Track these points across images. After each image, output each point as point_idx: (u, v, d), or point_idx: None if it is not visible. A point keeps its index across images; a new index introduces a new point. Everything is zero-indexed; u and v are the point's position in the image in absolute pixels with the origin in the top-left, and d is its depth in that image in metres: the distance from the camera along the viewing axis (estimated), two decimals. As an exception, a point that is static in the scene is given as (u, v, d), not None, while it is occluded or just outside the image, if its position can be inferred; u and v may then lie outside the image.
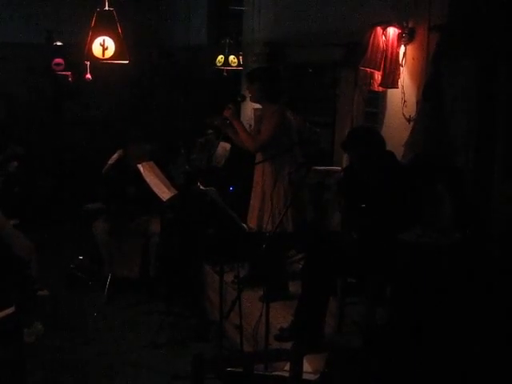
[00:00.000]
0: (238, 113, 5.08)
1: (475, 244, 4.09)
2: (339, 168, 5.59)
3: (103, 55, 3.91)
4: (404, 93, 5.13)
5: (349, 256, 4.10)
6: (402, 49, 5.10)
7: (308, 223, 5.21)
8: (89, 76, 5.38)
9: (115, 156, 6.41)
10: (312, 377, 3.66)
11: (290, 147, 4.89)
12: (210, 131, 7.08)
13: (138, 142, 6.31)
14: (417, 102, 4.99)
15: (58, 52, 8.82)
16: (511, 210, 4.26)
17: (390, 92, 5.33)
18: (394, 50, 5.08)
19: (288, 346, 4.08)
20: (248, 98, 5.29)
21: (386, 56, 5.08)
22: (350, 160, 4.56)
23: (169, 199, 5.35)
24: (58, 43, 8.91)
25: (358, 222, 4.24)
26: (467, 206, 4.38)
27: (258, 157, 5.02)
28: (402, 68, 5.12)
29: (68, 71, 8.77)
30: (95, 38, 3.91)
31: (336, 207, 4.47)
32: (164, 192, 5.38)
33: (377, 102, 5.63)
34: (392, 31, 5.06)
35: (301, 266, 5.35)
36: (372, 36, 5.09)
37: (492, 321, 3.49)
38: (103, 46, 3.88)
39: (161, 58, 9.60)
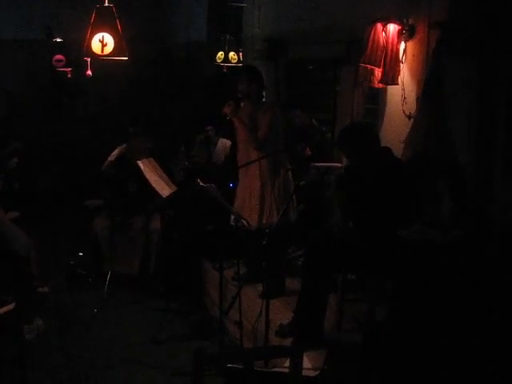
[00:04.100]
0: (238, 109, 5.07)
1: (475, 242, 4.09)
2: (339, 165, 5.59)
3: (102, 51, 3.90)
4: (404, 89, 5.13)
5: (346, 247, 4.08)
6: (402, 45, 5.10)
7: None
8: (89, 72, 5.36)
9: (115, 152, 6.40)
10: (312, 373, 3.66)
11: (288, 146, 4.93)
12: (210, 127, 7.08)
13: (138, 137, 6.31)
14: (417, 99, 4.99)
15: (59, 48, 8.81)
16: (511, 208, 4.27)
17: (390, 89, 5.33)
18: (394, 47, 5.07)
19: (288, 342, 4.09)
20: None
21: (386, 53, 5.07)
22: (345, 157, 4.56)
23: (168, 196, 5.35)
24: (59, 39, 8.90)
25: (356, 214, 4.23)
26: (467, 204, 4.38)
27: (244, 158, 5.04)
28: (402, 65, 5.12)
29: (69, 67, 8.77)
30: (94, 35, 3.90)
31: (336, 202, 4.47)
32: (164, 188, 5.38)
33: (377, 99, 5.63)
34: (392, 28, 5.06)
35: (301, 263, 5.36)
36: (372, 32, 5.08)
37: (491, 318, 3.49)
38: (102, 43, 3.87)
39: (160, 55, 9.60)
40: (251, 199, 5.03)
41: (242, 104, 5.16)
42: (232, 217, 4.91)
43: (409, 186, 4.11)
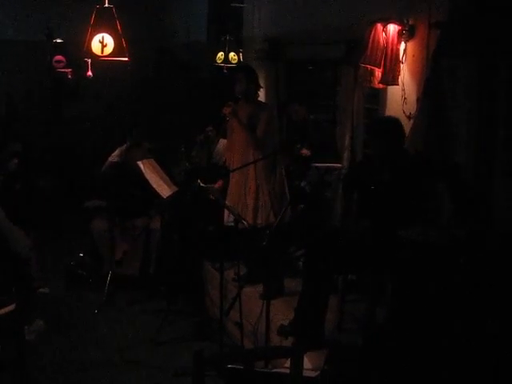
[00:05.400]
0: (236, 110, 5.07)
1: (476, 242, 4.08)
2: (339, 165, 5.58)
3: (102, 52, 3.90)
4: (404, 90, 5.13)
5: (356, 246, 4.06)
6: (403, 45, 5.09)
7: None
8: (90, 73, 5.36)
9: (116, 153, 6.38)
10: (312, 374, 3.66)
11: (287, 143, 4.95)
12: (210, 128, 7.07)
13: (139, 145, 6.29)
14: (417, 99, 4.99)
15: (59, 49, 8.81)
16: (511, 208, 4.26)
17: (391, 89, 5.32)
18: (395, 47, 5.07)
19: (288, 343, 4.08)
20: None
21: (387, 53, 5.07)
22: (373, 147, 4.39)
23: (169, 196, 5.35)
24: (59, 40, 8.90)
25: (371, 210, 4.21)
26: (467, 204, 4.37)
27: (240, 159, 5.05)
28: (402, 65, 5.11)
29: (68, 68, 8.77)
30: (94, 35, 3.90)
31: (346, 202, 4.46)
32: (164, 189, 5.38)
33: (377, 99, 5.63)
34: (392, 28, 5.05)
35: (302, 263, 5.36)
36: (372, 33, 5.08)
37: (491, 318, 3.49)
38: (102, 43, 3.88)
39: (160, 55, 9.60)
40: (246, 197, 5.05)
41: (239, 104, 5.17)
42: (229, 217, 4.91)
43: (416, 185, 4.10)
